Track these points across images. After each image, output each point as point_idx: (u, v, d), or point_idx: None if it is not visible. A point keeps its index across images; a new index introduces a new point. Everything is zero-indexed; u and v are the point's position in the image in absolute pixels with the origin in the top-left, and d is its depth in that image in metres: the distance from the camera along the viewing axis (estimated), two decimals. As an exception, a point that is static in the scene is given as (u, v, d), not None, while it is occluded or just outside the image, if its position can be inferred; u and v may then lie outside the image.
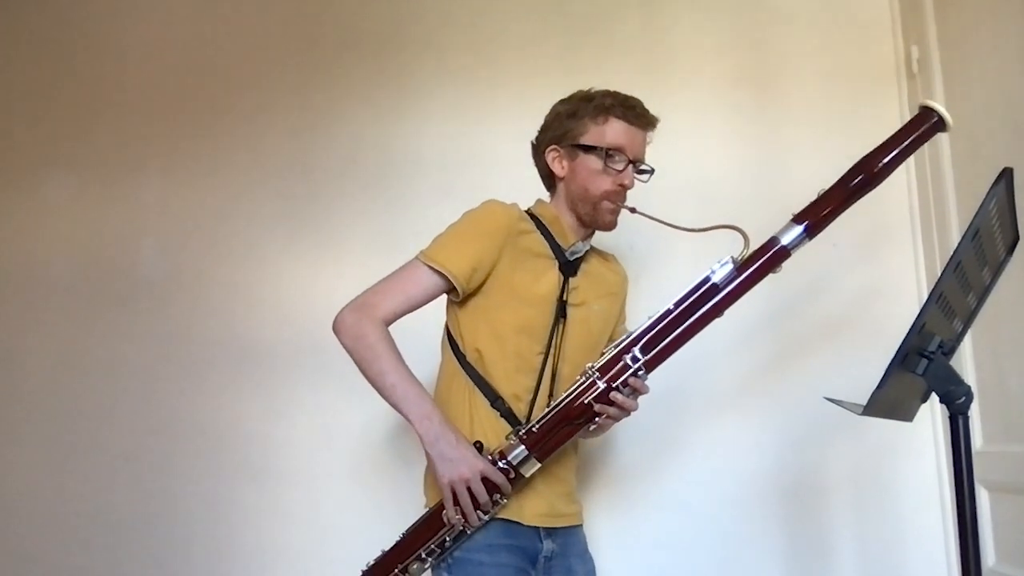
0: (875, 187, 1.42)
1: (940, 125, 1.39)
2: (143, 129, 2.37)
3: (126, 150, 2.36)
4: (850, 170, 1.42)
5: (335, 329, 1.48)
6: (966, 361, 1.88)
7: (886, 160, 1.40)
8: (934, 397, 1.23)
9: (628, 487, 2.11)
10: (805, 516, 2.07)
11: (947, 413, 1.17)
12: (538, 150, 1.63)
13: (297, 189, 2.30)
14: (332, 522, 2.13)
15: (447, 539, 1.44)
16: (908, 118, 2.11)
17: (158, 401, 2.22)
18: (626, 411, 1.44)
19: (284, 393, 2.21)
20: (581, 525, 1.62)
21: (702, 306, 1.43)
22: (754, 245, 1.43)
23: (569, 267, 1.57)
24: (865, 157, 1.42)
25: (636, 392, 1.44)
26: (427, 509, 1.51)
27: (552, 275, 1.55)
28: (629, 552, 2.06)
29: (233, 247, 2.29)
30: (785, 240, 1.41)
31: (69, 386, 2.26)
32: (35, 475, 2.23)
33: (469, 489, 1.40)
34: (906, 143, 1.41)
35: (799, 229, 1.40)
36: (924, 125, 1.40)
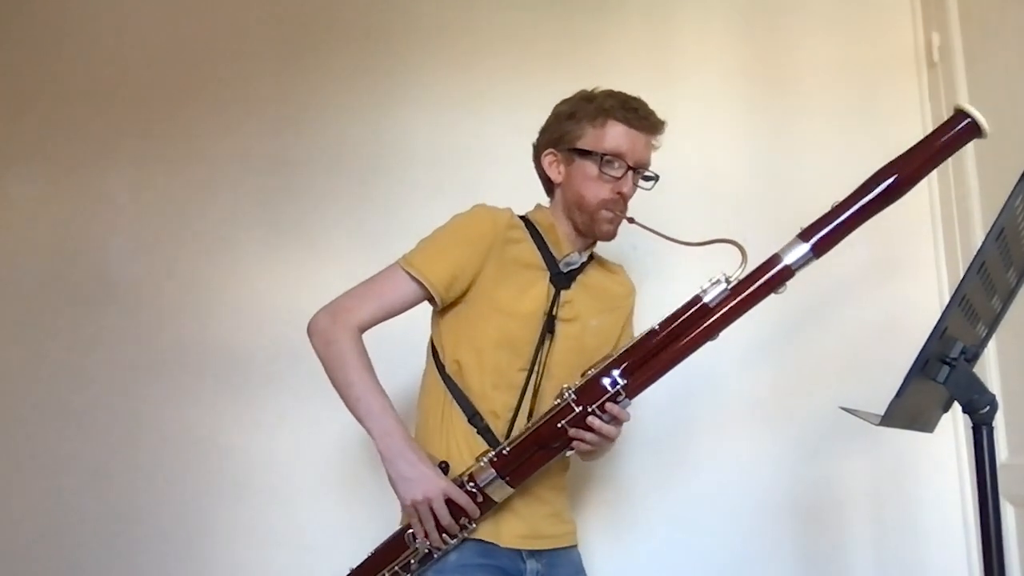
0: (896, 201, 1.33)
1: (975, 131, 1.29)
2: (112, 121, 2.36)
3: (94, 143, 2.35)
4: (867, 181, 1.34)
5: (308, 331, 1.50)
6: (990, 368, 1.88)
7: (911, 171, 1.31)
8: (956, 406, 1.23)
9: (630, 503, 2.11)
10: (820, 533, 2.07)
11: (970, 423, 1.18)
12: (536, 153, 1.64)
13: (277, 185, 2.30)
14: (314, 540, 2.13)
15: (412, 561, 1.45)
16: (928, 110, 2.17)
17: (127, 411, 2.21)
18: (606, 438, 1.42)
19: (263, 403, 2.20)
20: (574, 546, 1.62)
21: (692, 328, 1.39)
22: (761, 255, 1.40)
23: (561, 279, 1.56)
24: (885, 167, 1.33)
25: (615, 419, 1.41)
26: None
27: (541, 287, 1.54)
28: (630, 573, 2.06)
29: (209, 247, 2.29)
30: (788, 259, 1.35)
31: (32, 394, 2.24)
32: (-4, 490, 2.22)
33: (432, 510, 1.40)
34: (934, 151, 1.32)
35: (805, 247, 1.34)
36: (954, 130, 1.30)
